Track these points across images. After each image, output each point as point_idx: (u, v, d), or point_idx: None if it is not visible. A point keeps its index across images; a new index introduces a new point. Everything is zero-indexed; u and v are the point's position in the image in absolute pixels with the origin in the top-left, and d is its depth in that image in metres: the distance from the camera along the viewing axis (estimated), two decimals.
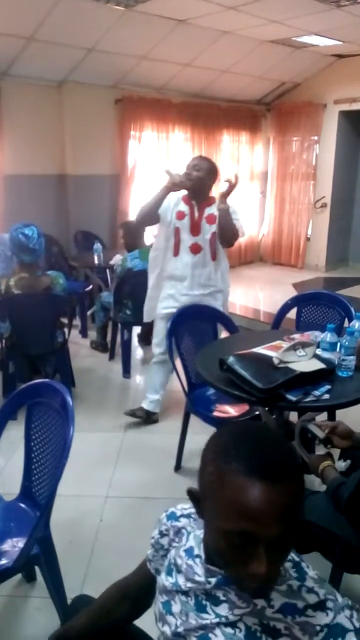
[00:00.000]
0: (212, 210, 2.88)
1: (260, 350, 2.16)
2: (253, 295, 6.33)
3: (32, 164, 5.21)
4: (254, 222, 7.62)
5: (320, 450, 1.72)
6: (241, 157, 7.16)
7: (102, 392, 3.75)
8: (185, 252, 2.90)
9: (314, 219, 7.19)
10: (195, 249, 2.89)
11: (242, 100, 6.87)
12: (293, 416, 2.60)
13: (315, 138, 6.90)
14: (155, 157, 6.13)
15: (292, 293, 5.17)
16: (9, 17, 4.02)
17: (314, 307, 3.04)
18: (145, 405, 3.15)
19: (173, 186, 2.78)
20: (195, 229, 2.88)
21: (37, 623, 1.82)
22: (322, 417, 2.62)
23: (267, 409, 2.30)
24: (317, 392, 1.91)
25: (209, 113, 6.49)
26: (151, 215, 2.87)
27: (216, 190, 3.08)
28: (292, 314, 3.09)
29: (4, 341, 3.27)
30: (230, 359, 2.00)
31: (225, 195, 2.83)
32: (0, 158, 4.95)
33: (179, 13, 4.40)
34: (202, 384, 2.62)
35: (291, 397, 1.87)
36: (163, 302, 3.00)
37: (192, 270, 2.90)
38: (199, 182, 2.84)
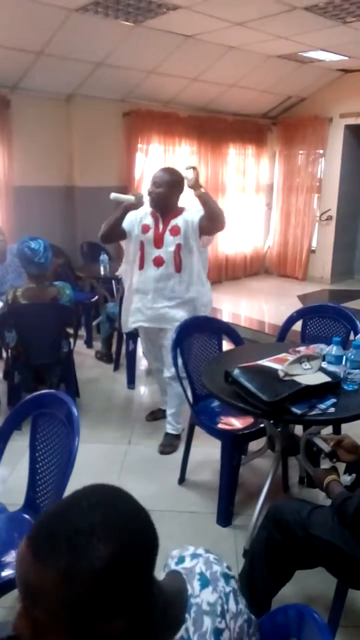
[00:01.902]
0: (177, 221, 2.84)
1: (266, 362, 2.16)
2: (258, 307, 6.34)
3: (40, 175, 5.27)
4: (259, 234, 7.65)
5: (325, 464, 1.71)
6: (247, 170, 7.21)
7: (106, 403, 3.75)
8: (149, 266, 2.88)
9: (320, 232, 7.21)
10: (158, 262, 2.86)
11: (249, 114, 6.93)
12: (298, 429, 2.59)
13: (321, 151, 6.94)
14: None
15: (297, 305, 5.18)
16: (20, 32, 4.10)
17: (320, 319, 3.04)
18: (163, 405, 3.33)
19: (130, 206, 2.81)
20: (158, 242, 2.85)
21: None
22: (327, 430, 2.61)
23: (272, 421, 2.29)
24: (322, 406, 1.91)
25: (215, 126, 6.55)
26: (112, 233, 2.88)
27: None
28: (297, 326, 3.09)
29: (9, 351, 3.29)
30: (236, 371, 2.01)
31: (195, 184, 2.79)
32: (9, 169, 5.01)
33: (186, 29, 4.46)
34: (207, 395, 2.61)
35: (296, 410, 1.87)
36: (132, 315, 3.02)
37: (156, 283, 2.88)
38: (159, 198, 2.82)
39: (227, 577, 0.87)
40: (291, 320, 3.05)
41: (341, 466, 1.74)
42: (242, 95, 6.33)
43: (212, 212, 2.79)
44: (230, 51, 5.11)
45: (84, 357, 4.50)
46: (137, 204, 2.80)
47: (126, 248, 2.99)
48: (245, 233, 7.42)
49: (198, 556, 0.90)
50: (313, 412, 1.89)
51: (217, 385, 2.11)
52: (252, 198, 7.38)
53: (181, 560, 0.90)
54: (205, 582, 0.84)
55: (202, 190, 2.79)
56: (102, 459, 2.94)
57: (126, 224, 2.88)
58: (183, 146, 6.36)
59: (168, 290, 2.88)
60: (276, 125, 7.33)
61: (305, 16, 4.12)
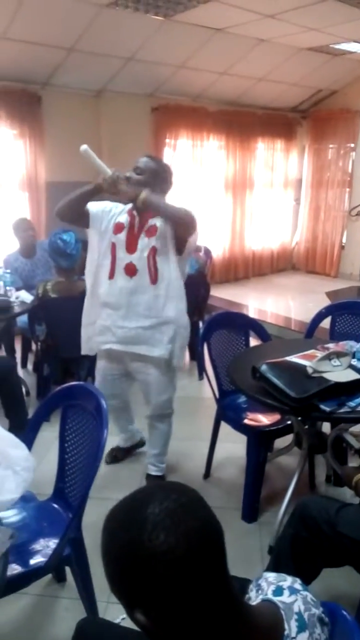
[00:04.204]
0: (156, 221, 2.26)
1: (294, 359, 2.14)
2: (284, 303, 6.28)
3: (70, 171, 5.29)
4: (287, 230, 7.57)
5: (354, 461, 1.69)
6: (276, 164, 7.14)
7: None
8: (120, 274, 2.31)
9: (350, 227, 7.08)
10: (130, 271, 2.28)
11: (278, 107, 6.85)
12: (325, 427, 2.56)
13: (352, 145, 6.81)
14: (190, 165, 6.18)
15: (325, 302, 5.09)
16: (52, 28, 4.14)
17: (349, 316, 2.98)
18: (122, 444, 2.90)
19: (104, 184, 2.24)
20: (131, 245, 2.27)
21: (66, 623, 1.84)
22: (356, 429, 2.57)
23: (299, 418, 2.27)
24: (352, 404, 1.88)
25: (244, 121, 6.50)
26: (71, 211, 2.33)
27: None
28: (326, 323, 3.04)
29: (39, 344, 3.35)
30: (263, 367, 1.99)
31: (133, 185, 2.21)
32: (40, 165, 5.08)
33: (216, 22, 4.43)
34: (233, 391, 2.61)
35: (325, 408, 1.85)
36: (100, 335, 2.45)
37: (128, 297, 2.30)
38: (139, 187, 2.24)
39: (322, 623, 0.85)
40: (320, 317, 3.01)
41: None
42: (271, 88, 6.26)
43: (171, 217, 2.22)
44: (261, 44, 5.05)
45: None
46: (110, 184, 2.21)
47: (90, 242, 2.43)
48: (273, 228, 7.36)
49: (296, 592, 0.86)
50: (342, 410, 1.86)
51: (244, 380, 2.10)
52: (281, 193, 7.31)
53: (279, 591, 0.86)
54: (302, 626, 0.80)
55: (144, 195, 2.19)
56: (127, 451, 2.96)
57: (94, 209, 2.35)
58: (211, 141, 6.34)
59: (143, 307, 2.30)
60: (306, 119, 7.22)
61: (338, 7, 4.04)
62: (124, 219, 2.32)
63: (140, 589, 0.72)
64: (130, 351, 2.39)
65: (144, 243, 2.26)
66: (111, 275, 2.33)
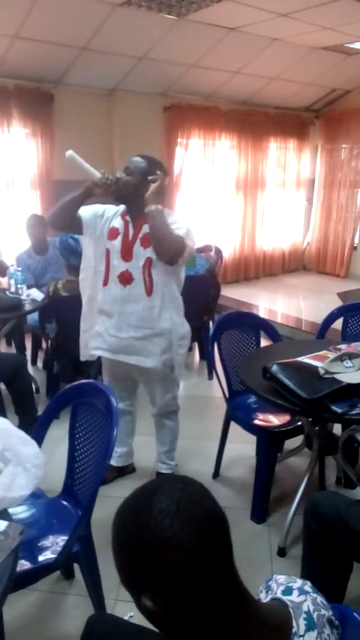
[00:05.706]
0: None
1: (305, 359, 2.13)
2: (295, 303, 6.24)
3: (81, 169, 5.34)
4: (298, 230, 7.54)
5: None
6: (288, 164, 7.11)
7: (140, 395, 3.77)
8: (114, 282, 2.26)
9: None
10: (125, 279, 2.23)
11: (291, 107, 6.81)
12: (336, 429, 2.54)
13: None
14: (201, 164, 6.18)
15: (337, 303, 5.06)
16: (65, 27, 4.15)
17: None
18: (114, 462, 2.65)
19: (93, 186, 2.18)
20: (127, 253, 2.21)
21: (74, 620, 1.84)
22: None
23: (310, 419, 2.26)
24: None
25: (256, 120, 6.48)
26: (63, 219, 2.26)
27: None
28: (337, 324, 3.02)
29: (49, 341, 3.36)
30: (274, 367, 1.98)
31: (155, 194, 2.15)
32: (50, 163, 5.10)
33: (230, 21, 4.42)
34: (243, 391, 2.60)
35: (337, 409, 1.83)
36: (93, 340, 2.41)
37: (121, 306, 2.25)
38: (126, 188, 2.19)
39: (332, 625, 0.84)
40: (332, 318, 2.98)
41: None
42: (284, 88, 6.23)
43: (157, 242, 2.13)
44: (274, 43, 5.03)
45: None
46: (101, 187, 2.16)
47: (84, 249, 2.38)
48: (284, 229, 7.33)
49: (306, 593, 0.86)
50: (354, 411, 1.84)
51: (254, 381, 2.09)
52: (292, 193, 7.27)
53: (288, 591, 0.86)
54: (311, 625, 0.80)
55: (157, 207, 2.14)
56: (136, 450, 2.96)
57: (86, 214, 2.27)
58: (223, 140, 6.32)
59: (135, 317, 2.25)
60: (319, 118, 7.18)
61: (353, 6, 4.01)
62: (118, 223, 2.26)
63: (147, 573, 0.74)
64: (120, 360, 2.36)
65: (140, 252, 2.20)
66: (105, 283, 2.29)
